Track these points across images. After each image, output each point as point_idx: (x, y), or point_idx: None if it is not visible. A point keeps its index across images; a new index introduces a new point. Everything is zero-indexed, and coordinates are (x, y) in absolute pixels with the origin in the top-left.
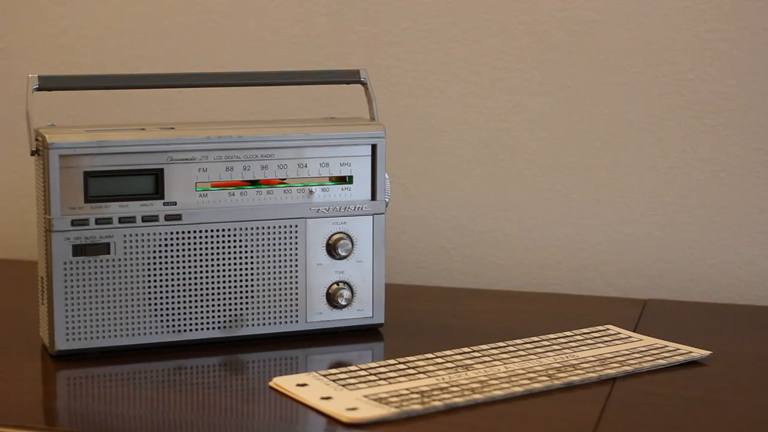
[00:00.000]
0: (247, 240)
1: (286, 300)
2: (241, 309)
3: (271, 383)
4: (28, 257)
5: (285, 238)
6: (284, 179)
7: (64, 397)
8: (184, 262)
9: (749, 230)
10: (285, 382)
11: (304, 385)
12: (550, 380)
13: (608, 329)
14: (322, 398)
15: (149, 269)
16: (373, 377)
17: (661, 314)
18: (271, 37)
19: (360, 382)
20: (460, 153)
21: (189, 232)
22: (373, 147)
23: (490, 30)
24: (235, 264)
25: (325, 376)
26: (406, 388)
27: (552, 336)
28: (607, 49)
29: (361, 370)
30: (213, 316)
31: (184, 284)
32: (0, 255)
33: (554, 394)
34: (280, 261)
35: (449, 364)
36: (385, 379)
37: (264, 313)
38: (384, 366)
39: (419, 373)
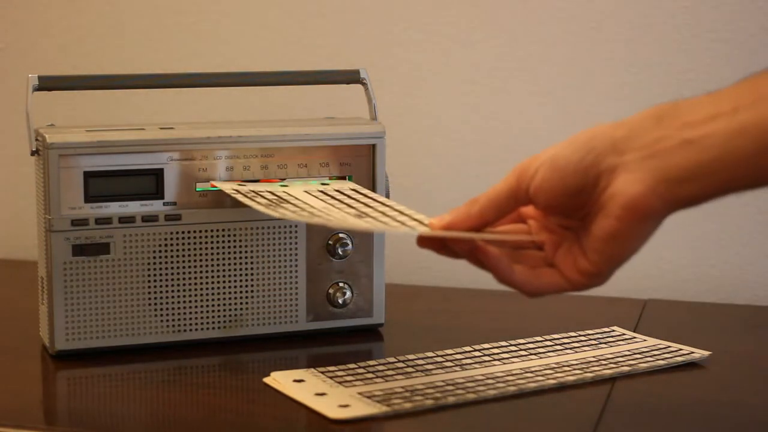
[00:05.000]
0: (246, 240)
1: (285, 300)
2: (241, 309)
3: (267, 378)
4: (28, 257)
5: (285, 238)
6: (284, 179)
7: (64, 397)
8: (184, 262)
9: (749, 230)
10: (282, 377)
11: (300, 381)
12: (544, 380)
13: (613, 330)
14: (317, 394)
15: (149, 269)
16: (370, 375)
17: (661, 314)
18: (271, 37)
19: (356, 380)
20: (460, 153)
21: (189, 232)
22: (373, 147)
23: (490, 30)
24: (235, 264)
25: (322, 372)
26: (402, 386)
27: (556, 336)
28: (608, 49)
29: (360, 368)
30: (213, 316)
31: (184, 284)
32: (0, 255)
33: (554, 394)
34: (280, 261)
35: (448, 363)
36: (382, 377)
37: (264, 313)
38: (382, 364)
39: (417, 371)
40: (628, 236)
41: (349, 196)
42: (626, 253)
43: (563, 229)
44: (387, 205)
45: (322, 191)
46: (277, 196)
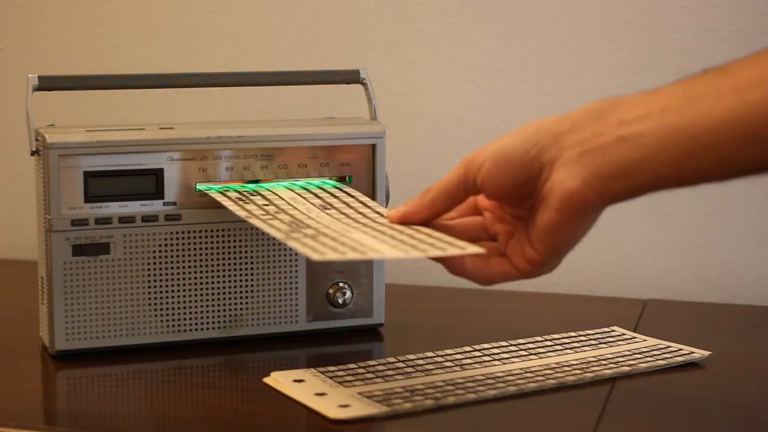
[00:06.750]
0: (247, 240)
1: (285, 300)
2: (241, 309)
3: (267, 378)
4: (28, 257)
5: None
6: (284, 179)
7: (64, 397)
8: (184, 262)
9: (749, 230)
10: (282, 377)
11: (300, 381)
12: (544, 380)
13: (613, 330)
14: (317, 394)
15: (149, 269)
16: (370, 375)
17: (661, 314)
18: (271, 37)
19: (356, 380)
20: (460, 153)
21: (189, 232)
22: (373, 147)
23: (490, 30)
24: (235, 264)
25: (322, 372)
26: (402, 386)
27: (556, 336)
28: (607, 49)
29: (359, 368)
30: (213, 316)
31: (184, 284)
32: (0, 255)
33: (554, 394)
34: (280, 261)
35: (448, 363)
36: (381, 377)
37: (264, 313)
38: (382, 364)
39: (416, 371)
40: (568, 227)
41: (321, 188)
42: (569, 243)
43: (516, 220)
44: (352, 196)
45: (304, 188)
46: (253, 190)
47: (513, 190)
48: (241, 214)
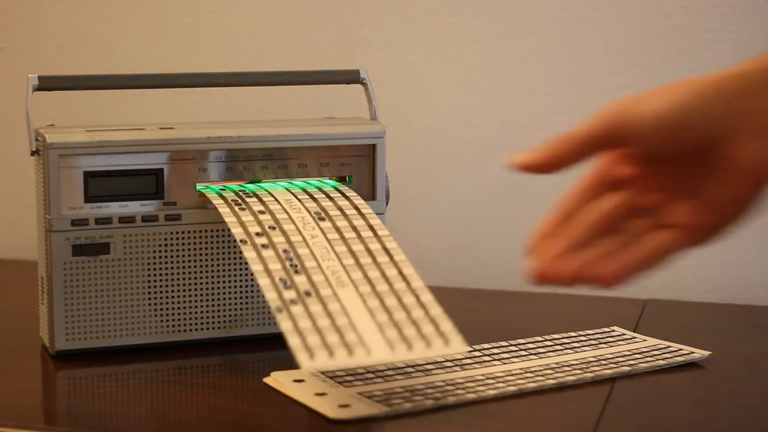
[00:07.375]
0: None
1: None
2: (241, 309)
3: (267, 378)
4: (28, 257)
5: None
6: (284, 179)
7: (64, 397)
8: (184, 262)
9: (749, 230)
10: (282, 377)
11: (300, 381)
12: (544, 380)
13: (613, 330)
14: (317, 394)
15: (149, 269)
16: (370, 375)
17: (661, 314)
18: (271, 37)
19: (356, 380)
20: (460, 153)
21: (189, 232)
22: (373, 147)
23: (490, 30)
24: (235, 264)
25: (322, 372)
26: (402, 386)
27: (556, 336)
28: (607, 49)
29: (359, 367)
30: (213, 316)
31: (184, 284)
32: (0, 255)
33: (554, 393)
34: None
35: (448, 363)
36: (381, 377)
37: (264, 313)
38: (382, 364)
39: (416, 371)
40: (757, 199)
41: (319, 189)
42: (752, 211)
43: (679, 181)
44: (347, 198)
45: (302, 188)
46: (251, 191)
47: (677, 150)
48: (237, 233)
